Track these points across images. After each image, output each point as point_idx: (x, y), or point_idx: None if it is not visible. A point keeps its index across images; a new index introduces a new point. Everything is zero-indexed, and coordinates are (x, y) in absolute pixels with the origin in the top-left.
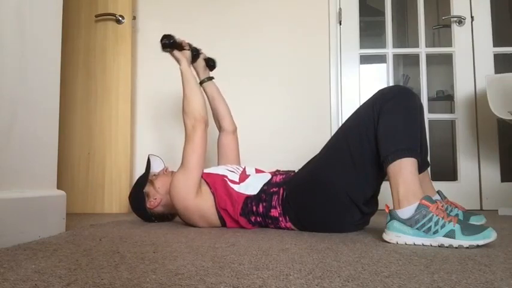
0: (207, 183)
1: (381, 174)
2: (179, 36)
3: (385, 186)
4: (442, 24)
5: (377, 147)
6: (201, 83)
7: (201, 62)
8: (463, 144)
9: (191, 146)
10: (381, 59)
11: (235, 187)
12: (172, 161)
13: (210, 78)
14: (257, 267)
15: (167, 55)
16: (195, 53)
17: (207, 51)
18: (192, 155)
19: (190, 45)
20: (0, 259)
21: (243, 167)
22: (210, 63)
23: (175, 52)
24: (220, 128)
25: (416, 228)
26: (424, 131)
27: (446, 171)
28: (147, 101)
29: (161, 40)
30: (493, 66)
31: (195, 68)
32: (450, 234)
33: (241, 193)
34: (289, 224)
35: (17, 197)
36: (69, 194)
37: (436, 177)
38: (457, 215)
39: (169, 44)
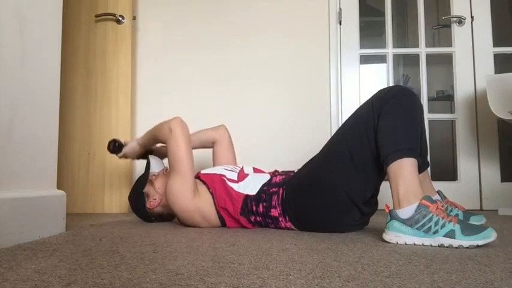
0: (205, 183)
1: (381, 174)
2: (180, 37)
3: (385, 186)
4: (442, 24)
5: (377, 147)
6: (151, 152)
7: (128, 149)
8: (463, 144)
9: (175, 146)
10: (381, 59)
11: (235, 186)
12: None
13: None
14: (257, 267)
15: (167, 55)
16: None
17: (206, 50)
18: (180, 155)
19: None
20: (0, 259)
21: (241, 166)
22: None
23: (124, 149)
24: (213, 142)
25: (416, 228)
26: (424, 131)
27: (446, 171)
28: (147, 101)
29: (112, 150)
30: (493, 66)
31: (129, 156)
32: (450, 234)
33: (240, 192)
34: (289, 224)
35: (17, 197)
36: (69, 194)
37: (436, 177)
38: (457, 215)
39: (118, 146)
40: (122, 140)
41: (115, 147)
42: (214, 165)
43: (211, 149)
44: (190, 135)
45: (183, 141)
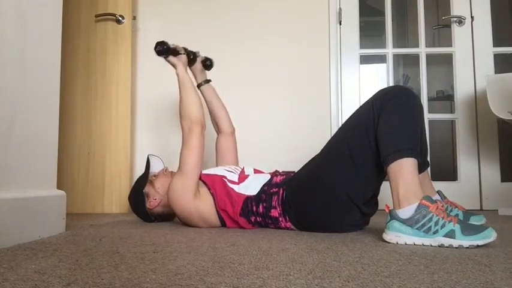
0: (206, 184)
1: (381, 175)
2: (180, 37)
3: (385, 186)
4: (442, 24)
5: (377, 147)
6: (198, 86)
7: (198, 65)
8: (463, 144)
9: (188, 148)
10: (381, 59)
11: (235, 187)
12: (171, 161)
13: (208, 81)
14: (257, 267)
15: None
16: (192, 57)
17: (206, 50)
18: (189, 158)
19: (185, 49)
20: (0, 259)
21: (242, 167)
22: (207, 63)
23: (170, 57)
24: (218, 130)
25: (416, 228)
26: (424, 131)
27: (446, 171)
28: (147, 100)
29: (155, 47)
30: (493, 66)
31: (192, 71)
32: (450, 234)
33: (241, 194)
34: (289, 224)
35: (17, 197)
36: (69, 194)
37: (436, 177)
38: (457, 215)
39: (164, 50)
40: (172, 44)
41: (163, 49)
42: (217, 156)
43: (215, 148)
44: (213, 90)
45: (197, 146)
